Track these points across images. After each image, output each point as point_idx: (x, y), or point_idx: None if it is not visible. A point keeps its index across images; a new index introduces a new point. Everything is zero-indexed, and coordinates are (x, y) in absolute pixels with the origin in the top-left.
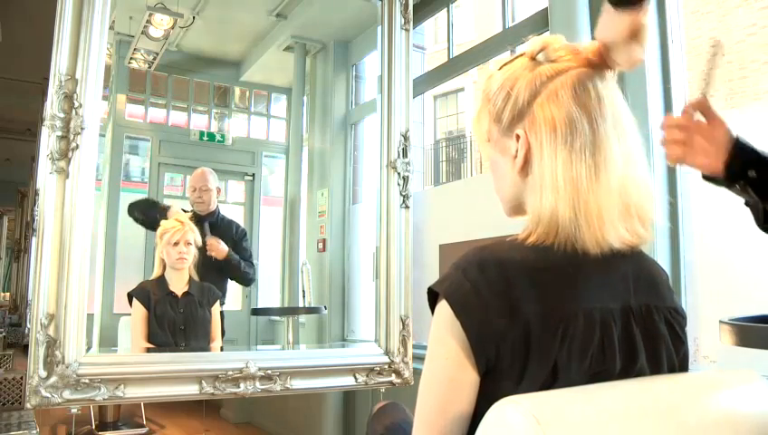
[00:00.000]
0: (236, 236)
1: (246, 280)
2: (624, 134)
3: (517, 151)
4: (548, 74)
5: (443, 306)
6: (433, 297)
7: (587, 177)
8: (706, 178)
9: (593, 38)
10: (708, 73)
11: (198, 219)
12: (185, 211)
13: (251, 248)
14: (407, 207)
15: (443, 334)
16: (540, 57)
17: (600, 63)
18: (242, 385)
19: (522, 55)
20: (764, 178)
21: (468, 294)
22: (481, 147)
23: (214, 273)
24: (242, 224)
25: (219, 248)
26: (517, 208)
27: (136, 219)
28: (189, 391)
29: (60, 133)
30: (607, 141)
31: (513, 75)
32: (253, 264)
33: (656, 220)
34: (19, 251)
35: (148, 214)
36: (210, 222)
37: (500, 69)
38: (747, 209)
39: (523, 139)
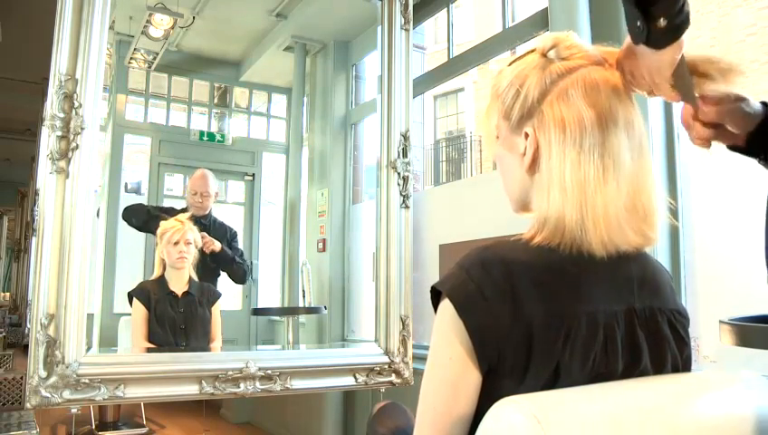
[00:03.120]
0: (229, 237)
1: (240, 273)
2: (633, 135)
3: (525, 149)
4: (558, 72)
5: (446, 306)
6: (436, 296)
7: (595, 178)
8: (731, 148)
9: (592, 38)
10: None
11: (194, 221)
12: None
13: (241, 249)
14: (407, 207)
15: (446, 334)
16: (551, 54)
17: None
18: (242, 385)
19: (532, 51)
20: None
21: (472, 294)
22: (489, 143)
23: (209, 272)
24: (242, 224)
25: (215, 243)
26: (524, 206)
27: (132, 225)
28: (189, 391)
29: (60, 133)
30: (616, 142)
31: (523, 72)
32: (245, 261)
33: (663, 222)
34: (19, 251)
35: (149, 223)
36: (204, 223)
37: (510, 65)
38: (747, 208)
39: (532, 137)
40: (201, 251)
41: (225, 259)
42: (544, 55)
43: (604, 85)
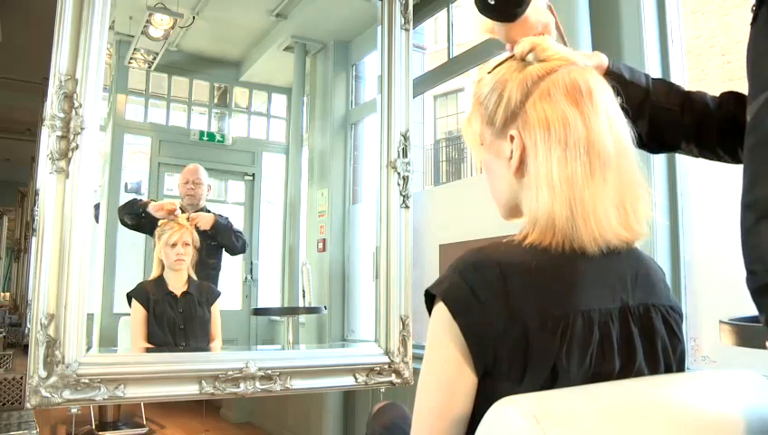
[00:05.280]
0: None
1: (240, 241)
2: (616, 129)
3: (512, 153)
4: (539, 74)
5: (440, 308)
6: (430, 299)
7: (582, 174)
8: None
9: (592, 38)
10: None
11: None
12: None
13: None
14: (407, 207)
15: (441, 337)
16: (529, 58)
17: None
18: (242, 385)
19: (511, 57)
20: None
21: (466, 296)
22: (474, 151)
23: (207, 272)
24: (242, 224)
25: (206, 218)
26: (514, 211)
27: (126, 225)
28: (189, 391)
29: (60, 133)
30: (600, 138)
31: (504, 77)
32: (241, 233)
33: (651, 216)
34: (19, 251)
35: (133, 212)
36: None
37: (489, 72)
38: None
39: (518, 139)
40: (200, 251)
41: (222, 230)
42: (523, 59)
43: (584, 83)
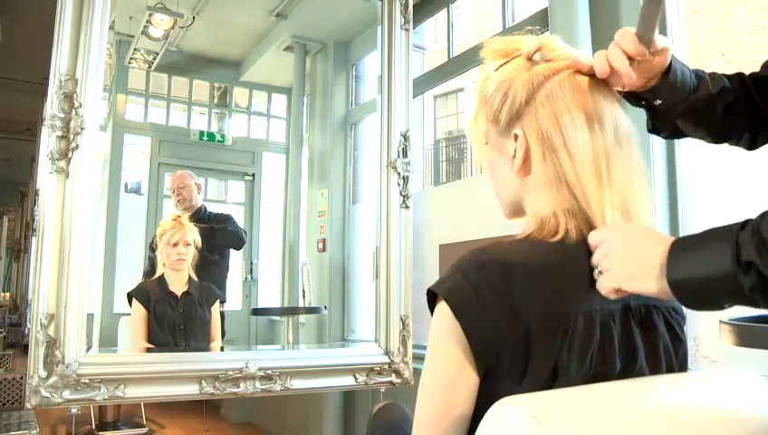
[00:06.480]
0: (221, 220)
1: (221, 235)
2: (620, 131)
3: (515, 151)
4: (545, 74)
5: (443, 308)
6: (432, 299)
7: (585, 175)
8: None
9: (592, 38)
10: (648, 16)
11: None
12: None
13: (239, 231)
14: (407, 207)
15: (443, 336)
16: (536, 57)
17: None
18: (242, 385)
19: (518, 56)
20: (668, 109)
21: (468, 296)
22: (478, 149)
23: (212, 272)
24: (242, 224)
25: None
26: (517, 210)
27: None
28: (189, 391)
29: (60, 133)
30: (603, 141)
31: (510, 76)
32: (225, 227)
33: (652, 218)
34: (19, 251)
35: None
36: (197, 217)
37: (496, 70)
38: (747, 207)
39: (522, 138)
40: (202, 250)
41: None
42: (530, 59)
43: (590, 86)
